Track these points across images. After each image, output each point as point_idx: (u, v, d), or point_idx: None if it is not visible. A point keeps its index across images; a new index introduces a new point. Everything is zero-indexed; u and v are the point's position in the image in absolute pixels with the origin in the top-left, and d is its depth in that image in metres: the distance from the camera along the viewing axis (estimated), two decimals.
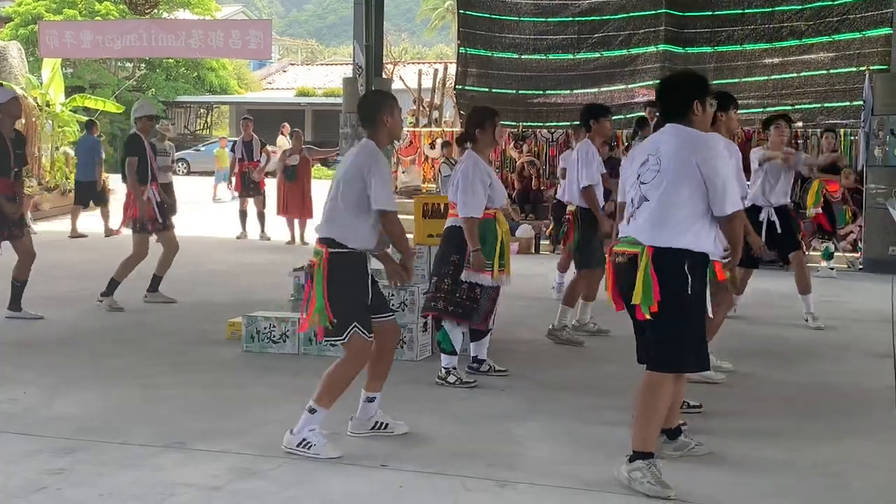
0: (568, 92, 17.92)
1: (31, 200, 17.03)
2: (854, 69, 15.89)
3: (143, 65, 39.89)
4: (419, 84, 23.12)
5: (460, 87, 18.63)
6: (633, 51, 17.63)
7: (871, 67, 14.85)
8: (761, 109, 16.56)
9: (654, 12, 17.35)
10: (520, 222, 15.05)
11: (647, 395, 4.55)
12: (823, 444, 5.26)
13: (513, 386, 6.50)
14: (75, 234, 15.99)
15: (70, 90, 25.85)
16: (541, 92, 18.11)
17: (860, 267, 13.04)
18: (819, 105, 16.13)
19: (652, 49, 17.40)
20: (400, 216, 5.17)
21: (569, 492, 4.46)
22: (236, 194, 16.57)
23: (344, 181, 5.08)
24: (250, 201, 16.25)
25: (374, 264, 5.26)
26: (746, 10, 16.98)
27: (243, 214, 16.30)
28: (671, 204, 4.49)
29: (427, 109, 22.01)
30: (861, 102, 14.07)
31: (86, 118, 22.58)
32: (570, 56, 17.96)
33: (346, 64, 37.49)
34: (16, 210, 8.58)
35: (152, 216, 9.41)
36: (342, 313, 4.95)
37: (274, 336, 7.43)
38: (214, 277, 11.68)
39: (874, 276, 12.42)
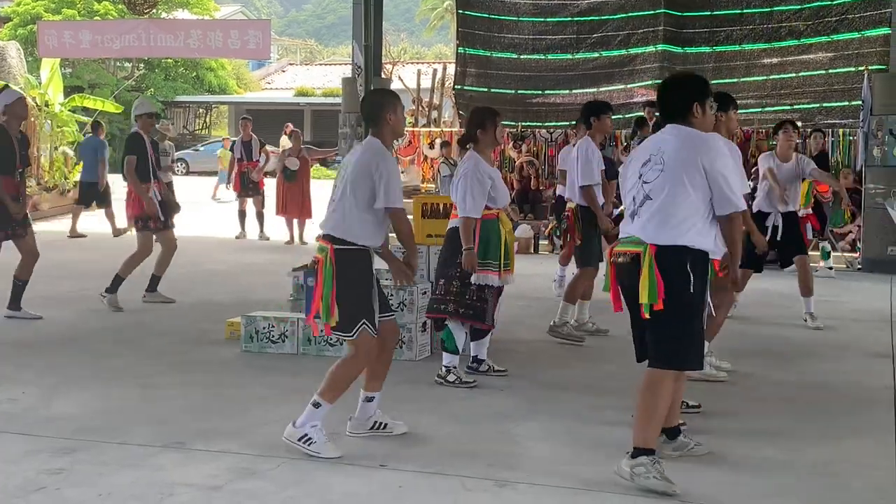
0: (567, 92, 17.93)
1: (31, 200, 17.00)
2: (853, 69, 15.90)
3: (142, 65, 39.89)
4: (418, 84, 23.14)
5: (459, 87, 18.64)
6: (632, 51, 17.63)
7: (870, 67, 14.86)
8: (760, 109, 16.59)
9: (652, 12, 17.36)
10: (519, 222, 15.05)
11: (648, 393, 4.56)
12: (823, 444, 5.26)
13: (512, 386, 6.50)
14: (75, 234, 15.99)
15: (69, 90, 25.83)
16: (540, 92, 18.12)
17: (859, 267, 13.05)
18: (818, 105, 16.14)
19: (651, 49, 17.40)
20: None
21: (568, 492, 4.47)
22: (235, 194, 16.56)
23: (350, 180, 5.08)
24: (249, 201, 16.25)
25: (377, 263, 5.26)
26: (745, 10, 16.99)
27: (242, 214, 16.30)
28: (674, 203, 4.51)
29: (426, 109, 22.04)
30: (860, 102, 14.07)
31: (85, 118, 22.59)
32: (569, 56, 17.97)
33: (345, 64, 37.49)
34: (20, 209, 8.59)
35: (154, 214, 9.40)
36: (351, 310, 4.97)
37: (273, 336, 7.43)
38: (213, 277, 11.68)
39: (873, 275, 12.42)
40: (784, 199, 8.57)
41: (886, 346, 8.01)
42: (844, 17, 16.27)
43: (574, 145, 8.55)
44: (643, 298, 4.48)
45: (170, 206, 9.83)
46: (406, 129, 18.70)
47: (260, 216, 16.09)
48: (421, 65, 34.08)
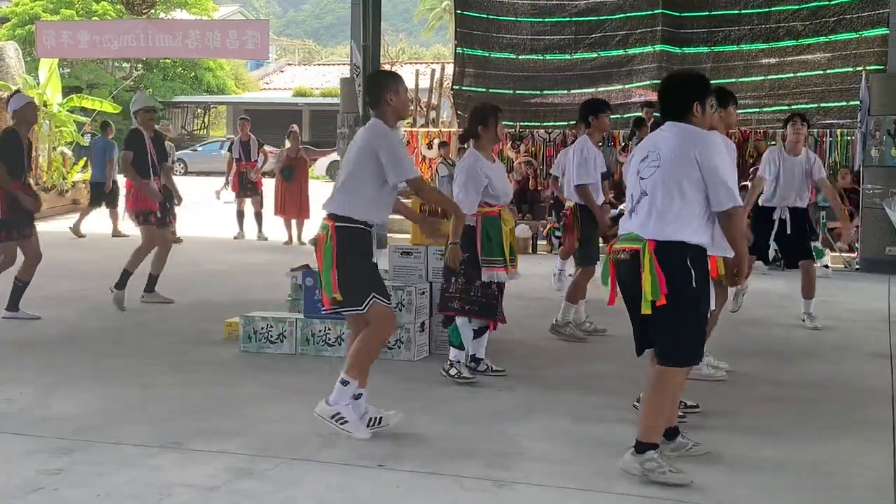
0: (565, 92, 17.95)
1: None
2: (851, 69, 15.92)
3: (141, 65, 39.86)
4: (416, 84, 23.10)
5: (457, 87, 18.65)
6: (630, 51, 17.65)
7: (868, 67, 14.87)
8: (758, 110, 16.61)
9: (650, 12, 17.38)
10: (517, 222, 15.05)
11: (657, 389, 4.61)
12: (821, 444, 5.26)
13: (511, 386, 6.50)
14: (77, 233, 15.98)
15: (67, 90, 25.81)
16: (538, 92, 18.13)
17: (857, 267, 13.05)
18: (816, 105, 16.16)
19: (649, 49, 17.42)
20: (397, 216, 5.22)
21: (567, 492, 4.47)
22: (233, 194, 16.57)
23: (355, 162, 5.13)
24: (248, 201, 16.25)
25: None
26: (743, 11, 17.01)
27: (241, 215, 16.31)
28: (670, 199, 4.53)
29: (424, 109, 22.01)
30: (858, 102, 14.09)
31: (83, 118, 22.61)
32: (568, 56, 17.99)
33: (344, 64, 37.52)
34: (37, 203, 8.67)
35: (154, 208, 9.39)
36: (359, 284, 5.02)
37: (271, 336, 7.43)
38: (212, 277, 11.68)
39: (871, 275, 12.44)
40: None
41: (885, 346, 8.02)
42: (842, 18, 16.30)
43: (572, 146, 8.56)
44: (647, 295, 4.50)
45: (169, 205, 9.83)
46: (404, 129, 18.81)
47: (258, 216, 16.10)
48: (419, 65, 34.04)
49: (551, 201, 14.61)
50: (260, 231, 16.03)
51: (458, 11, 18.94)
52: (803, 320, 8.74)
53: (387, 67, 24.36)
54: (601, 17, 17.83)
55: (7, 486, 4.42)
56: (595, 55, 17.85)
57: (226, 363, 7.15)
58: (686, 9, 17.36)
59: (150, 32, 19.21)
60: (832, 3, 16.40)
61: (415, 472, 4.68)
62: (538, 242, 15.07)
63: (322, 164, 30.79)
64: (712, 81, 5.02)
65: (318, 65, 55.80)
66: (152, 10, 21.87)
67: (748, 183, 10.70)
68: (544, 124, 17.65)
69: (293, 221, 15.59)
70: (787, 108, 15.85)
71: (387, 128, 5.20)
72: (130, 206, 9.59)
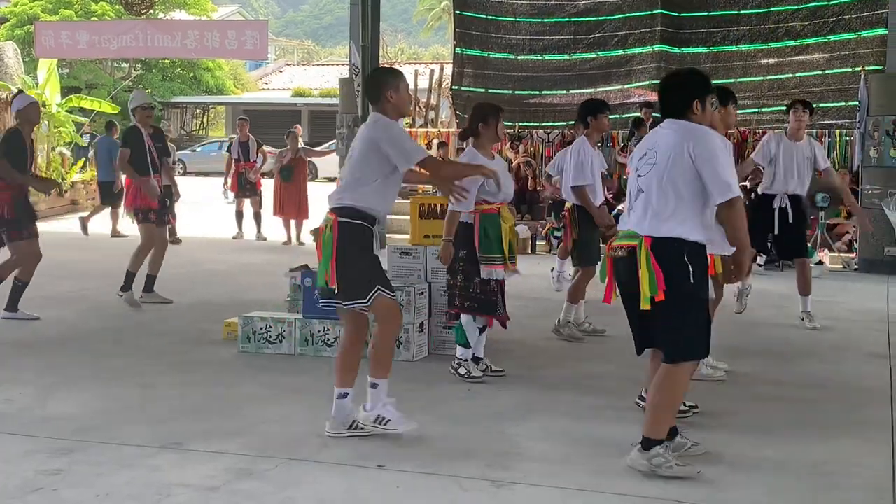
0: (564, 92, 17.95)
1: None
2: (849, 70, 15.93)
3: (140, 65, 39.86)
4: (415, 84, 23.08)
5: (456, 87, 18.64)
6: (629, 51, 17.66)
7: (867, 68, 14.88)
8: (757, 110, 16.62)
9: (649, 13, 17.38)
10: (516, 222, 15.05)
11: (664, 387, 4.65)
12: (820, 444, 5.27)
13: (510, 386, 6.50)
14: (84, 229, 15.96)
15: (66, 91, 25.82)
16: (537, 92, 18.13)
17: (855, 267, 13.06)
18: (814, 105, 16.14)
19: (648, 49, 17.43)
20: (396, 216, 5.23)
21: (566, 492, 4.47)
22: (231, 194, 16.56)
23: (359, 157, 5.14)
24: (246, 202, 16.26)
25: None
26: (742, 11, 17.01)
27: (239, 215, 16.30)
28: (667, 196, 4.56)
29: (423, 110, 22.02)
30: (856, 103, 14.10)
31: (82, 119, 22.62)
32: (567, 57, 17.99)
33: (343, 64, 37.54)
34: (47, 186, 8.73)
35: (153, 206, 9.39)
36: (362, 278, 5.04)
37: (270, 336, 7.43)
38: (211, 277, 11.68)
39: (870, 276, 12.44)
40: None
41: (883, 346, 8.02)
42: (841, 18, 16.31)
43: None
44: (644, 291, 4.52)
45: (169, 204, 9.83)
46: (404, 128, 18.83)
47: (257, 216, 16.10)
48: (418, 65, 34.04)
49: (550, 201, 14.64)
50: (259, 231, 16.03)
51: (457, 12, 18.94)
52: (802, 319, 8.73)
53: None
54: (600, 18, 17.84)
55: (6, 487, 4.42)
56: (594, 55, 17.85)
57: (225, 363, 7.15)
58: (685, 9, 17.37)
59: (148, 33, 19.22)
60: (831, 3, 16.41)
61: (414, 472, 4.68)
62: (537, 242, 15.07)
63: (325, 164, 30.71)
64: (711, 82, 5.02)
65: (317, 65, 55.81)
66: (151, 11, 21.88)
67: (747, 184, 10.70)
68: (543, 124, 17.65)
69: (292, 222, 15.59)
70: (785, 108, 15.84)
71: (387, 119, 5.20)
72: (129, 204, 9.59)
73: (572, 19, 17.94)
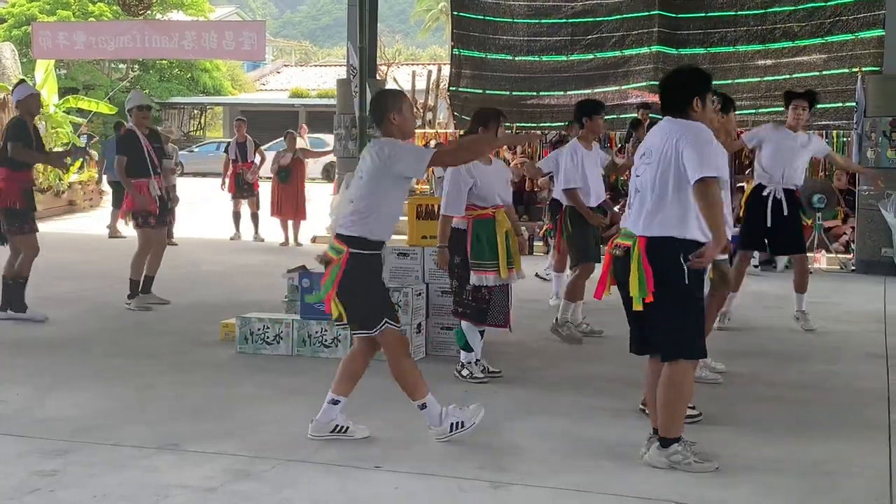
0: (562, 93, 17.96)
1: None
2: (846, 71, 15.96)
3: (137, 66, 39.84)
4: (413, 86, 23.12)
5: (454, 88, 18.66)
6: (627, 52, 17.68)
7: (864, 69, 14.90)
8: (754, 111, 16.63)
9: (647, 14, 17.40)
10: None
11: (669, 387, 4.68)
12: (816, 444, 5.27)
13: (507, 387, 6.50)
14: (115, 234, 15.96)
15: (63, 91, 25.82)
16: (534, 93, 18.15)
17: (853, 268, 13.06)
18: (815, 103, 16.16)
19: (645, 50, 17.45)
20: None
21: (563, 493, 4.47)
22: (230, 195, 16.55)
23: (367, 183, 5.10)
24: (244, 202, 16.25)
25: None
26: (740, 12, 17.03)
27: (237, 216, 16.29)
28: (661, 195, 4.58)
29: (421, 111, 22.02)
30: (854, 104, 14.10)
31: (79, 119, 22.60)
32: (564, 58, 18.01)
33: (340, 65, 37.52)
34: (65, 156, 9.15)
35: (153, 210, 9.38)
36: (373, 311, 5.06)
37: (268, 337, 7.43)
38: (208, 278, 11.68)
39: (867, 277, 12.45)
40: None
41: (881, 346, 8.02)
42: (838, 19, 16.33)
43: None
44: (633, 292, 4.55)
45: (170, 205, 9.83)
46: None
47: (255, 217, 16.09)
48: (416, 66, 34.07)
49: (548, 202, 14.63)
50: (256, 232, 16.03)
51: (455, 13, 18.95)
52: (796, 318, 8.64)
53: (383, 69, 24.37)
54: (597, 19, 17.86)
55: (3, 488, 4.42)
56: (591, 56, 17.87)
57: (222, 364, 7.14)
58: (682, 10, 17.39)
59: (146, 33, 19.20)
60: (828, 4, 16.43)
61: (412, 473, 4.68)
62: (534, 243, 15.05)
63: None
64: None
65: (315, 66, 55.78)
66: (149, 12, 21.85)
67: (745, 185, 10.70)
68: (541, 125, 17.66)
69: (290, 222, 15.58)
70: (782, 109, 15.84)
71: (394, 140, 5.16)
72: (129, 207, 9.59)
73: (570, 20, 17.95)
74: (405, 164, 5.06)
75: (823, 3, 16.45)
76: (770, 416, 5.88)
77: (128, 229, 14.84)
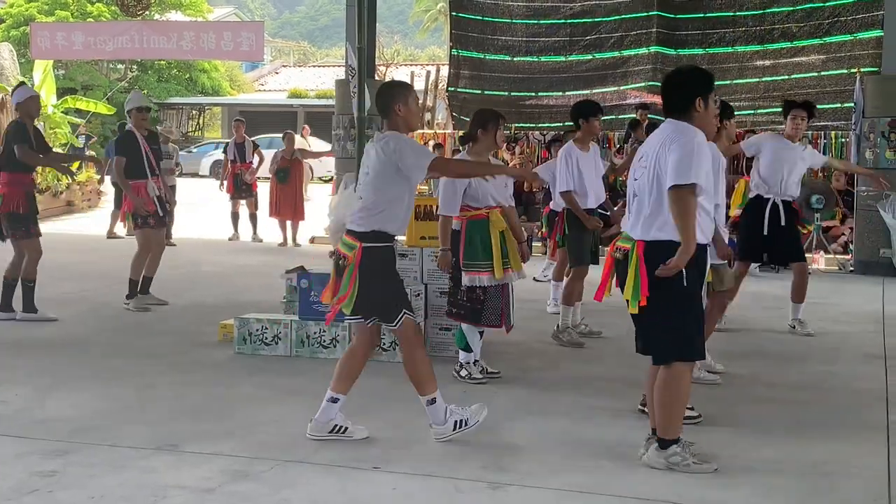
0: (560, 94, 17.95)
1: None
2: (845, 71, 15.95)
3: (135, 66, 39.84)
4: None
5: (452, 88, 18.64)
6: (625, 53, 17.67)
7: (862, 70, 14.89)
8: (752, 112, 16.63)
9: (645, 14, 17.40)
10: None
11: (666, 388, 4.69)
12: (815, 445, 5.27)
13: (506, 387, 6.50)
14: (113, 235, 15.95)
15: (62, 92, 25.81)
16: (533, 94, 18.14)
17: (851, 269, 13.07)
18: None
19: (644, 51, 17.44)
20: None
21: (561, 493, 4.47)
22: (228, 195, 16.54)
23: (375, 179, 5.10)
24: (242, 203, 16.24)
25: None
26: (738, 13, 17.03)
27: (235, 216, 16.28)
28: (657, 198, 4.60)
29: (420, 112, 22.04)
30: (852, 104, 14.11)
31: (78, 120, 22.58)
32: (563, 58, 18.00)
33: (339, 66, 37.51)
34: (70, 161, 8.92)
35: (153, 210, 9.38)
36: (391, 302, 5.09)
37: (266, 338, 7.42)
38: (207, 279, 11.67)
39: (865, 277, 12.45)
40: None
41: (879, 347, 8.03)
42: (837, 20, 16.33)
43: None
44: (626, 295, 4.56)
45: (168, 205, 9.83)
46: None
47: (253, 218, 16.08)
48: (414, 67, 34.06)
49: (542, 209, 14.62)
50: (255, 233, 16.02)
51: (454, 13, 18.94)
52: (793, 327, 8.57)
53: (382, 69, 24.35)
54: (596, 20, 17.85)
55: (2, 489, 4.41)
56: (590, 57, 17.86)
57: (221, 365, 7.14)
58: (681, 10, 17.38)
59: (144, 34, 19.18)
60: (827, 4, 16.43)
61: (410, 474, 4.68)
62: (533, 243, 15.05)
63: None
64: None
65: (313, 66, 55.76)
66: (147, 12, 21.83)
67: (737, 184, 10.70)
68: (539, 126, 17.66)
69: (288, 223, 15.58)
70: (780, 110, 15.85)
71: (399, 135, 5.16)
72: (129, 208, 9.58)
73: (568, 21, 17.94)
74: (408, 162, 5.05)
75: (822, 4, 16.44)
76: (769, 416, 5.88)
77: (124, 229, 14.88)
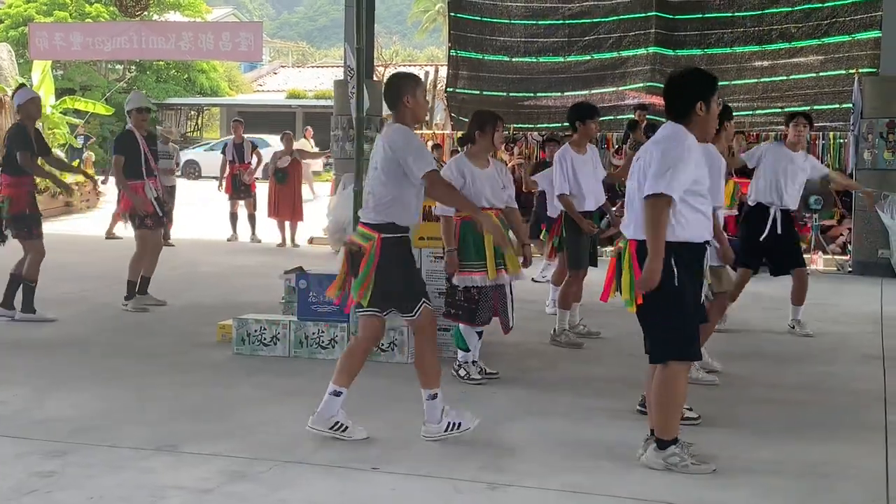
0: (559, 94, 17.96)
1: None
2: (843, 72, 15.96)
3: (134, 67, 39.83)
4: None
5: (451, 89, 18.65)
6: (624, 53, 17.67)
7: (860, 70, 14.90)
8: (751, 112, 16.64)
9: (644, 15, 17.41)
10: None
11: (662, 388, 4.70)
12: (813, 446, 5.27)
13: (504, 388, 6.50)
14: (111, 235, 15.94)
15: (60, 92, 25.82)
16: (531, 94, 18.14)
17: (849, 269, 13.08)
18: (808, 108, 16.16)
19: (642, 51, 17.45)
20: None
21: (560, 494, 4.47)
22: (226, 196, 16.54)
23: (381, 170, 5.13)
24: (241, 203, 16.23)
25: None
26: (736, 13, 17.04)
27: (234, 217, 16.28)
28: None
29: None
30: (850, 105, 14.12)
31: (76, 120, 22.60)
32: (561, 59, 18.00)
33: (337, 66, 37.48)
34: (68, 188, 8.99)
35: (151, 211, 9.38)
36: (410, 292, 5.12)
37: (265, 338, 7.42)
38: (205, 279, 11.67)
39: (863, 278, 12.46)
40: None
41: (877, 348, 8.04)
42: (835, 21, 16.34)
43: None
44: (623, 295, 4.57)
45: (167, 206, 9.83)
46: None
47: (252, 218, 16.08)
48: (413, 67, 34.08)
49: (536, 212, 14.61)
50: (253, 233, 16.02)
51: (452, 14, 18.95)
52: (792, 328, 8.62)
53: (381, 70, 24.34)
54: (594, 20, 17.85)
55: (0, 489, 4.41)
56: (588, 58, 17.87)
57: (219, 366, 7.14)
58: (680, 11, 17.39)
59: (143, 34, 19.19)
60: (825, 5, 16.44)
61: (408, 474, 4.68)
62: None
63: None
64: None
65: (312, 67, 55.77)
66: (145, 13, 21.84)
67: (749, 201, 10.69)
68: (538, 126, 17.66)
69: (286, 223, 15.58)
70: (779, 110, 15.89)
71: (402, 127, 5.18)
72: (125, 209, 9.57)
73: (567, 21, 17.95)
74: (408, 161, 5.06)
75: (820, 5, 16.46)
76: (768, 417, 5.88)
77: (124, 230, 14.86)
